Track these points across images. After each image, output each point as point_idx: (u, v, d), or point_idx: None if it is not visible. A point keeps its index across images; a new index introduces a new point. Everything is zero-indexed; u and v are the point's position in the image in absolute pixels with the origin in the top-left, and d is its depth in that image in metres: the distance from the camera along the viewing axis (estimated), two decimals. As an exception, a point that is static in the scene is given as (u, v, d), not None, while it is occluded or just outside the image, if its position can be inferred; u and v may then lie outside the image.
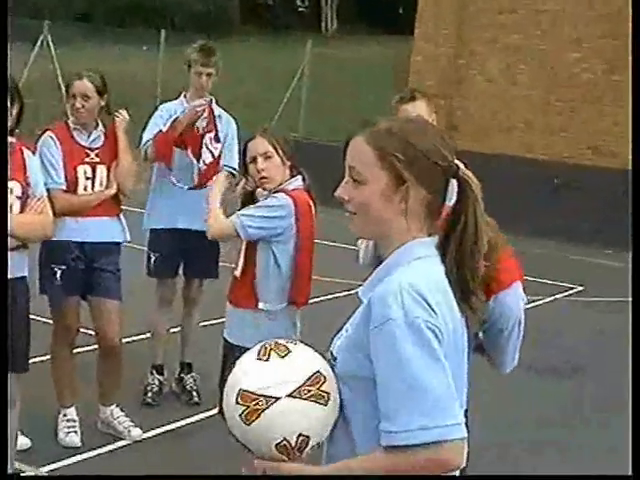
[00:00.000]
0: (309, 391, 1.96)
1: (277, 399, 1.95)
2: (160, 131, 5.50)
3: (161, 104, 5.91)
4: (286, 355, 2.01)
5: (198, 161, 5.54)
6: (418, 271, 1.98)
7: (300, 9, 34.48)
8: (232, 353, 3.98)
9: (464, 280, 2.05)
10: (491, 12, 16.36)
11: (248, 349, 3.75)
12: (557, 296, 9.92)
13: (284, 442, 1.96)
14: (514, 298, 2.80)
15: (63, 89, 4.78)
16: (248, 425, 1.96)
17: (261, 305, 3.92)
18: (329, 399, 1.98)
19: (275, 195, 3.93)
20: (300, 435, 1.96)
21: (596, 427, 5.95)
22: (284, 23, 30.03)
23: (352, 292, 7.87)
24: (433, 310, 1.92)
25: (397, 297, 1.91)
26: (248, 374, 2.01)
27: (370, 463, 1.93)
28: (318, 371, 1.99)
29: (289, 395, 1.95)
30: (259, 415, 1.95)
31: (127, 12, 27.38)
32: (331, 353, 2.05)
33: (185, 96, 5.73)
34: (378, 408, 1.92)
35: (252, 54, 23.74)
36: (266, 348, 2.05)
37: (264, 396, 1.95)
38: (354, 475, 1.94)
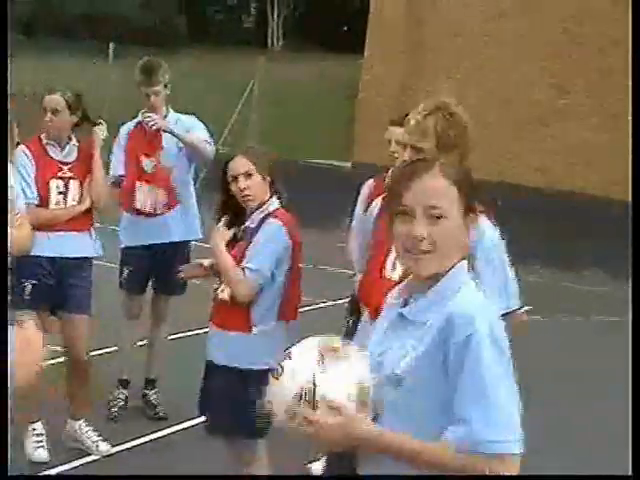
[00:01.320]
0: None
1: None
2: (120, 177, 5.60)
3: (121, 123, 5.92)
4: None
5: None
6: (479, 293, 2.16)
7: (246, 25, 34.58)
8: (219, 374, 4.00)
9: None
10: (440, 35, 16.64)
11: (239, 369, 3.78)
12: (522, 309, 10.06)
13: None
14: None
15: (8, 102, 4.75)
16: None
17: (256, 330, 3.93)
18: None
19: (267, 222, 3.96)
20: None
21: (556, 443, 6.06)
22: (231, 38, 30.07)
23: (312, 308, 7.94)
24: (501, 331, 2.10)
25: (482, 315, 2.06)
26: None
27: (439, 453, 2.04)
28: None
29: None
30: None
31: (73, 24, 27.16)
32: (393, 373, 2.13)
33: (142, 114, 5.75)
34: (444, 413, 2.04)
35: (199, 68, 23.73)
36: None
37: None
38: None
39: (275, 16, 32.94)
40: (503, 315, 3.11)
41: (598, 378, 7.47)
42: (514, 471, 2.05)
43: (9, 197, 4.05)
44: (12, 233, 4.08)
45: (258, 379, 3.33)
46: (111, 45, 19.96)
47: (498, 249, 3.34)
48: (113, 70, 19.47)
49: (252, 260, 3.90)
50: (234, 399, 3.85)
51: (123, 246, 5.76)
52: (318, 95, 20.98)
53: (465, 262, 2.19)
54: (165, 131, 5.57)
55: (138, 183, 5.59)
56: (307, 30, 31.91)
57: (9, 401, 3.77)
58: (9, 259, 4.72)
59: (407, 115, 3.58)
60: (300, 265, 4.08)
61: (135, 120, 5.75)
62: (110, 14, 27.76)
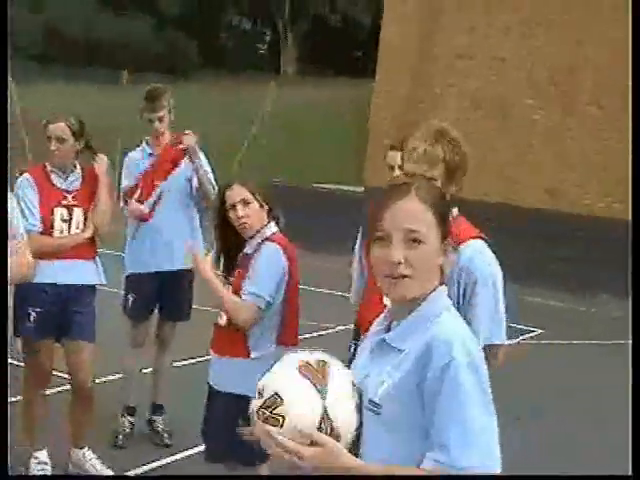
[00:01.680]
0: (308, 368, 2.11)
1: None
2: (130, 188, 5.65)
3: (124, 150, 5.97)
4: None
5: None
6: (459, 319, 2.15)
7: (260, 51, 34.76)
8: (219, 399, 4.00)
9: None
10: (449, 57, 16.68)
11: (240, 395, 3.75)
12: (519, 339, 10.05)
13: (262, 390, 2.09)
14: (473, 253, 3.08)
15: (24, 132, 4.82)
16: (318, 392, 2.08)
17: (254, 355, 3.93)
18: (320, 387, 2.08)
19: (263, 246, 3.96)
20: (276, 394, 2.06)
21: (555, 471, 6.01)
22: (244, 64, 30.23)
23: (319, 334, 7.92)
24: (480, 360, 2.09)
25: (462, 342, 2.05)
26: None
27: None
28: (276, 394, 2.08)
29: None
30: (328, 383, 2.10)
31: (86, 52, 27.39)
32: (371, 401, 2.11)
33: (147, 142, 5.79)
34: (424, 440, 2.03)
35: (212, 94, 23.86)
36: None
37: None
38: None
39: (288, 42, 33.11)
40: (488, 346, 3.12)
41: (607, 396, 7.44)
42: None
43: (9, 225, 4.07)
44: (13, 261, 4.10)
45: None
46: (125, 73, 20.12)
47: (494, 275, 3.30)
48: (126, 96, 19.60)
49: (253, 285, 3.90)
50: (232, 426, 3.83)
51: (128, 273, 5.77)
52: (330, 119, 21.04)
53: (445, 287, 2.18)
54: (188, 154, 5.59)
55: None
56: (320, 55, 32.06)
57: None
58: (10, 287, 4.76)
59: (404, 140, 3.57)
60: (297, 289, 4.07)
61: (141, 150, 5.78)
62: (123, 41, 27.98)
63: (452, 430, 2.00)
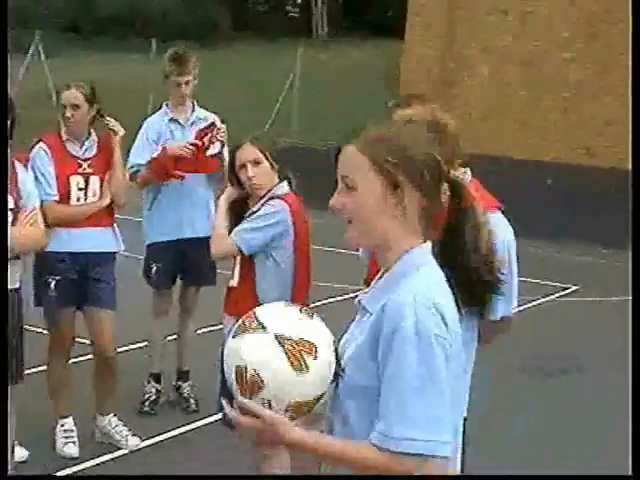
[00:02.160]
0: (292, 347, 1.96)
1: (264, 329, 1.98)
2: (153, 159, 5.49)
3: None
4: (312, 318, 2.05)
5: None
6: (428, 280, 1.99)
7: (291, 14, 34.53)
8: None
9: (471, 283, 2.11)
10: (480, 15, 16.41)
11: None
12: (553, 296, 9.93)
13: (242, 369, 1.96)
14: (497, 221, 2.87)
15: (54, 99, 4.88)
16: (233, 339, 2.00)
17: None
18: (299, 369, 1.96)
19: (269, 202, 3.93)
20: (257, 373, 1.95)
21: (594, 428, 5.94)
22: (275, 29, 30.05)
23: (347, 297, 7.87)
24: (444, 321, 1.94)
25: (411, 308, 1.92)
26: (272, 307, 2.11)
27: (356, 451, 1.95)
28: (314, 345, 1.98)
29: (276, 336, 1.96)
30: (242, 333, 2.00)
31: (116, 22, 27.38)
32: (338, 364, 2.05)
33: (167, 106, 5.74)
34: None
35: (243, 61, 23.76)
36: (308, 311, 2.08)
37: (258, 321, 2.00)
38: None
39: (319, 4, 32.83)
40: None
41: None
42: (438, 473, 1.93)
43: (22, 196, 4.07)
44: (29, 231, 4.09)
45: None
46: (153, 41, 20.06)
47: (510, 249, 3.10)
48: (155, 66, 19.57)
49: (243, 228, 3.91)
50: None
51: (151, 241, 5.74)
52: (361, 81, 20.84)
53: (425, 245, 2.05)
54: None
55: None
56: (351, 17, 31.76)
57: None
58: (29, 258, 4.77)
59: (410, 96, 3.50)
60: (308, 251, 4.03)
61: (162, 113, 5.71)
62: (153, 10, 27.92)
63: (391, 399, 1.91)
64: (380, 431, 1.92)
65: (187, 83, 5.60)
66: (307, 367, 1.96)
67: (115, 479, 4.76)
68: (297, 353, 1.95)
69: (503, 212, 3.23)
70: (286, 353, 1.95)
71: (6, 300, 3.82)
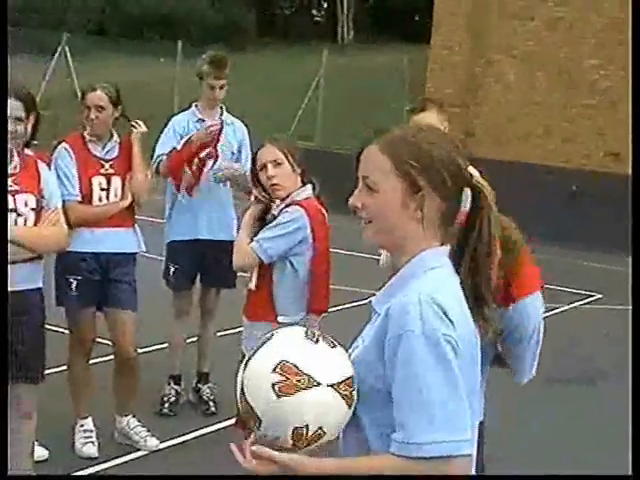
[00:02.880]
0: (345, 390, 1.95)
1: (319, 384, 1.92)
2: (174, 149, 5.51)
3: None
4: (334, 347, 2.00)
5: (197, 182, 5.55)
6: (436, 282, 1.98)
7: (317, 18, 34.57)
8: None
9: (478, 289, 2.05)
10: (507, 20, 16.34)
11: None
12: (576, 304, 9.86)
13: (303, 429, 1.93)
14: (534, 306, 2.80)
15: (80, 100, 4.94)
16: (278, 398, 1.92)
17: (280, 319, 3.89)
18: (352, 405, 1.97)
19: (287, 210, 3.91)
20: (320, 428, 1.94)
21: (614, 436, 5.87)
22: (300, 33, 30.09)
23: (366, 301, 7.82)
24: (452, 322, 1.92)
25: (416, 308, 1.90)
26: (294, 348, 1.97)
27: (378, 464, 1.93)
28: (352, 376, 1.98)
29: (330, 385, 1.93)
30: (295, 392, 1.91)
31: (143, 24, 27.53)
32: None
33: (197, 106, 5.74)
34: (393, 417, 1.92)
35: (269, 65, 23.81)
36: (314, 333, 2.02)
37: (308, 376, 1.92)
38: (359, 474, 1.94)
39: (345, 9, 32.84)
40: None
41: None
42: (464, 473, 1.91)
43: (45, 196, 4.08)
44: (52, 231, 4.10)
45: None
46: (179, 43, 20.13)
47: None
48: (182, 68, 19.65)
49: (262, 236, 3.90)
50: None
51: (169, 240, 5.74)
52: (386, 85, 20.83)
53: (440, 249, 2.04)
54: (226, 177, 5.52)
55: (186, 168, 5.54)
56: (376, 21, 31.74)
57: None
58: (51, 257, 4.78)
59: (427, 100, 3.45)
60: (326, 256, 4.00)
61: (189, 113, 5.71)
62: (180, 13, 28.03)
63: (407, 404, 1.88)
64: (400, 440, 1.89)
65: (222, 87, 5.62)
66: (354, 398, 1.98)
67: (133, 479, 4.76)
68: (348, 392, 1.96)
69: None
70: (343, 398, 1.95)
71: (6, 299, 3.82)
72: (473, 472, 1.96)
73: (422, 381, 1.87)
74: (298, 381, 1.91)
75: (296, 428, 1.93)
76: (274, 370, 1.92)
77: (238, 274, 5.75)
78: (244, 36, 28.28)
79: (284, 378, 1.91)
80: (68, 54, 20.44)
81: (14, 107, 3.92)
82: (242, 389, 1.99)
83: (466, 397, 1.91)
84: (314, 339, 1.99)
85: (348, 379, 1.96)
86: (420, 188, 1.99)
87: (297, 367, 1.92)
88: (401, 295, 1.96)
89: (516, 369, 2.87)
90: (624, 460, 5.31)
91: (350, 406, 1.96)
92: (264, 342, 2.02)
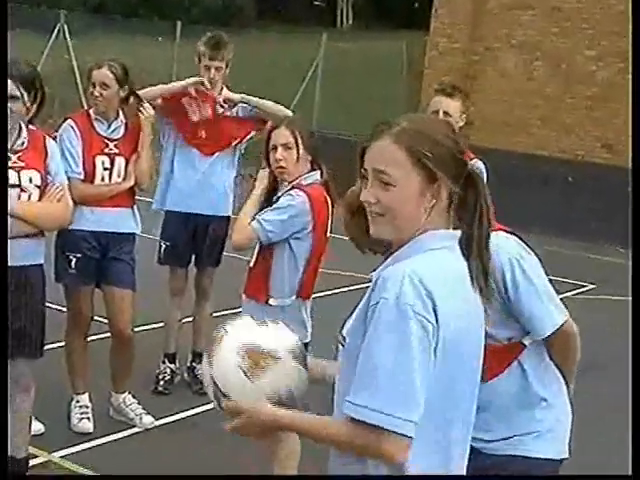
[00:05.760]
0: (299, 356, 2.17)
1: (280, 359, 2.12)
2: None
3: None
4: (278, 324, 2.24)
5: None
6: (428, 261, 2.01)
7: (316, 3, 34.44)
8: None
9: (484, 273, 2.09)
10: (507, 8, 16.33)
11: None
12: (568, 294, 9.92)
13: (277, 399, 2.10)
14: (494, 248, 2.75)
15: (78, 79, 4.93)
16: (252, 382, 2.09)
17: (272, 301, 3.95)
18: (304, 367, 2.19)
19: (290, 193, 3.95)
20: (290, 391, 2.12)
21: (610, 427, 5.93)
22: (300, 17, 29.99)
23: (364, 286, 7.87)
24: (433, 305, 1.94)
25: (397, 281, 1.94)
26: (250, 333, 2.16)
27: (325, 424, 2.02)
28: (297, 341, 2.21)
29: (290, 353, 2.14)
30: (265, 372, 2.10)
31: (142, 4, 27.39)
32: (341, 334, 2.09)
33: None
34: None
35: (267, 48, 23.73)
36: (261, 321, 2.23)
37: (271, 355, 2.11)
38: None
39: (344, -7, 32.74)
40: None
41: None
42: (399, 454, 1.92)
43: (50, 172, 4.12)
44: (57, 207, 4.14)
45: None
46: (178, 24, 20.08)
47: (519, 266, 2.82)
48: (180, 49, 19.61)
49: (261, 217, 3.94)
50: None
51: (165, 210, 5.74)
52: (384, 72, 20.80)
53: (444, 231, 2.07)
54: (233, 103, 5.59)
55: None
56: (375, 7, 31.65)
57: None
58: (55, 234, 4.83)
59: (455, 87, 3.53)
60: (323, 243, 4.05)
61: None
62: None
63: (361, 365, 1.93)
64: (347, 399, 1.95)
65: (217, 69, 5.56)
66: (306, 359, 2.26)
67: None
68: (301, 355, 2.22)
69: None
70: (300, 362, 2.23)
71: (6, 298, 3.86)
72: (406, 461, 1.95)
73: (376, 350, 1.91)
74: (265, 361, 2.10)
75: (272, 403, 2.10)
76: (240, 356, 2.10)
77: (239, 257, 5.81)
78: (243, 18, 28.17)
79: (252, 362, 2.10)
80: (67, 32, 20.35)
81: (10, 86, 3.95)
82: (214, 382, 2.15)
83: (422, 381, 1.91)
84: (262, 324, 2.20)
85: (297, 346, 2.19)
86: (437, 178, 2.02)
87: (260, 350, 2.12)
88: (390, 269, 2.00)
89: (527, 321, 2.84)
90: (615, 450, 5.39)
91: (304, 367, 2.17)
92: (221, 337, 2.17)
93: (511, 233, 2.88)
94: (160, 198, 5.74)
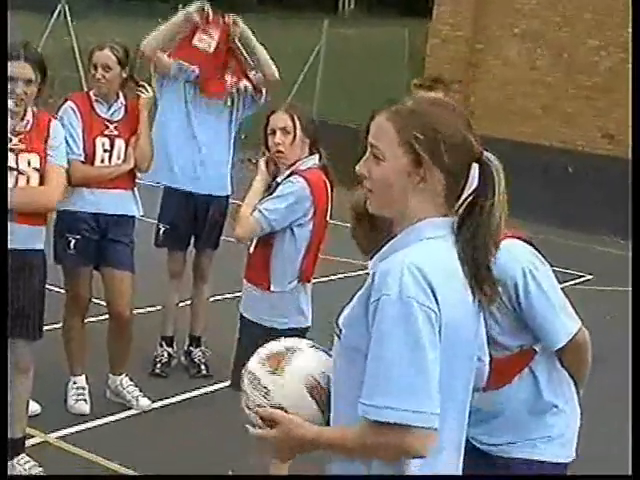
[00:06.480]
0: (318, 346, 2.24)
1: (299, 349, 2.18)
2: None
3: None
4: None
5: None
6: (425, 251, 1.98)
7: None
8: (248, 328, 4.02)
9: (477, 265, 2.03)
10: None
11: (263, 326, 3.83)
12: (566, 284, 9.92)
13: (313, 381, 2.11)
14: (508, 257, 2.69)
15: (79, 61, 4.92)
16: (280, 375, 2.12)
17: (273, 288, 3.94)
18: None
19: (290, 179, 3.93)
20: (323, 372, 2.13)
21: (609, 417, 5.92)
22: (301, 3, 29.88)
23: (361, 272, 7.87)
24: (433, 293, 1.91)
25: (397, 274, 1.91)
26: (267, 347, 2.26)
27: (348, 433, 1.97)
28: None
29: (309, 345, 2.21)
30: (286, 364, 2.14)
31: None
32: (337, 324, 2.06)
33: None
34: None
35: (268, 34, 23.63)
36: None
37: (287, 349, 2.18)
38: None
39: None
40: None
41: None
42: (423, 447, 1.89)
43: (50, 153, 4.11)
44: (55, 185, 4.13)
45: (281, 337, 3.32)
46: (179, 7, 20.01)
47: (532, 276, 2.77)
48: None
49: (264, 206, 3.91)
50: (252, 352, 3.86)
51: (164, 186, 5.73)
52: (386, 59, 20.75)
53: (439, 220, 2.03)
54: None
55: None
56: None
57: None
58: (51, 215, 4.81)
59: (435, 80, 3.47)
60: (324, 228, 4.05)
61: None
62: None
63: (371, 365, 1.90)
64: (361, 402, 1.91)
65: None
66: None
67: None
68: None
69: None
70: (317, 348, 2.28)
71: (6, 296, 3.86)
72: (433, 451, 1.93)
73: (387, 347, 1.87)
74: (284, 357, 2.16)
75: (308, 386, 2.11)
76: (263, 364, 2.18)
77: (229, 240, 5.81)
78: (244, 4, 28.05)
79: (275, 362, 2.16)
80: (67, 13, 20.28)
81: (26, 69, 3.95)
82: (252, 400, 2.16)
83: (436, 371, 1.89)
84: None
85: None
86: (422, 162, 1.99)
87: (275, 352, 2.20)
88: (388, 260, 1.97)
89: (540, 332, 2.82)
90: (614, 440, 5.39)
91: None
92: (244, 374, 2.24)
93: (527, 242, 2.85)
94: (160, 173, 5.65)
